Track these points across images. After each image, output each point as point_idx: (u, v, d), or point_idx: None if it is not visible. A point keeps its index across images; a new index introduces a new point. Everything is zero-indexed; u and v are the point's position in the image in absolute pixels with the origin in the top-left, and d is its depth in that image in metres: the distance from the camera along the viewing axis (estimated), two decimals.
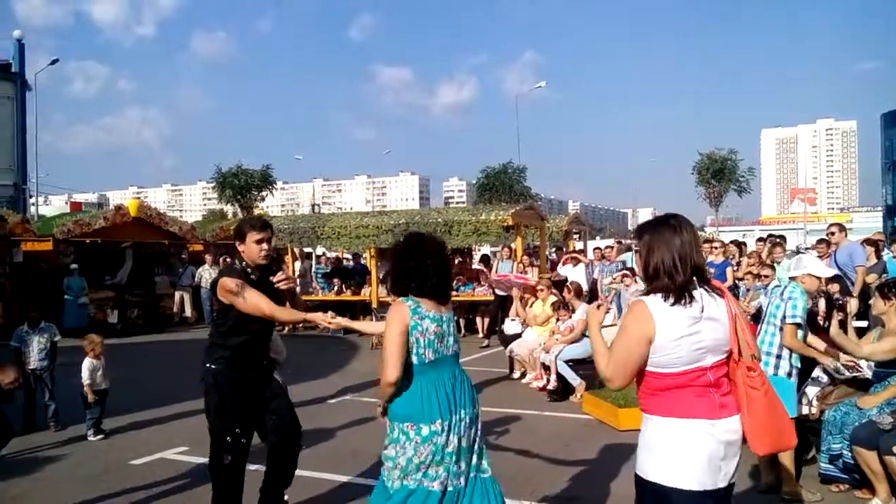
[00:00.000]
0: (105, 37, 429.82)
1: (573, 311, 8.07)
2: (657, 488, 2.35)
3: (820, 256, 9.88)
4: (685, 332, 2.29)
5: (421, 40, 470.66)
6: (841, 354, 4.81)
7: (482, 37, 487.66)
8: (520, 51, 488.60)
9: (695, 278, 2.38)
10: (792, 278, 4.67)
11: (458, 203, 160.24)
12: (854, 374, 4.91)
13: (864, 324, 7.08)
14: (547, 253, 15.37)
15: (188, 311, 16.23)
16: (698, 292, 2.35)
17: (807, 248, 15.91)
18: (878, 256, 9.26)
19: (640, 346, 2.33)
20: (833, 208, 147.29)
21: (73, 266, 14.05)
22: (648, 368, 2.35)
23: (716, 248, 10.33)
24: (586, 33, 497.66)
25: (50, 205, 59.60)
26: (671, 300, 2.32)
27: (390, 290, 3.56)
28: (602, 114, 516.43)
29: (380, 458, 3.09)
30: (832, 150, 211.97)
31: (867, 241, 9.62)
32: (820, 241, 10.39)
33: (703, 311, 2.32)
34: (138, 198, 22.57)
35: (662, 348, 2.30)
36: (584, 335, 7.80)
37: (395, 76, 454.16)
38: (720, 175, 45.94)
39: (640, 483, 2.43)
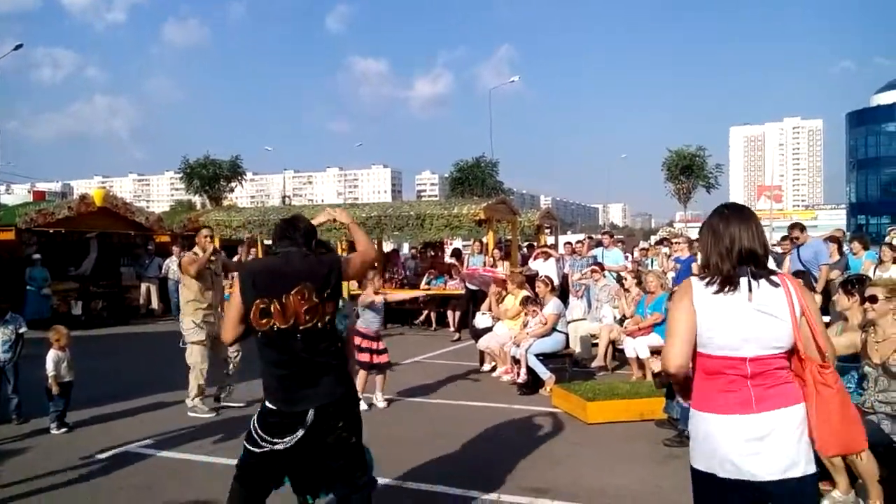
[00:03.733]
0: (74, 22, 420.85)
1: (543, 305, 8.11)
2: (696, 474, 2.43)
3: (784, 252, 10.10)
4: (724, 318, 2.31)
5: (398, 33, 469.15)
6: None
7: (459, 30, 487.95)
8: (496, 45, 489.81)
9: (752, 266, 2.36)
10: None
11: (430, 196, 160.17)
12: None
13: (826, 319, 7.22)
14: (518, 246, 15.43)
15: (154, 304, 15.99)
16: (749, 281, 2.33)
17: (773, 245, 16.17)
18: (840, 253, 9.48)
19: (686, 316, 2.37)
20: (798, 205, 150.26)
21: (36, 256, 13.73)
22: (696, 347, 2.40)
23: (680, 243, 10.49)
24: (561, 29, 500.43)
25: (12, 193, 58.17)
26: (713, 288, 2.35)
27: None
28: (574, 109, 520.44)
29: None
30: (798, 149, 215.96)
31: (830, 238, 9.84)
32: (784, 239, 10.60)
33: (751, 300, 2.31)
34: (104, 187, 22.16)
35: (701, 325, 2.34)
36: (554, 329, 7.85)
37: (370, 68, 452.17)
38: (689, 171, 46.61)
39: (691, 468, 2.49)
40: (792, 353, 2.33)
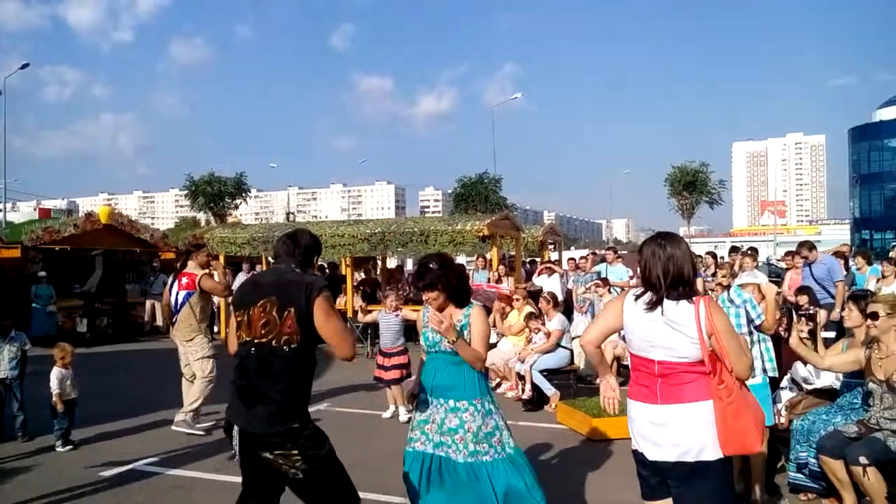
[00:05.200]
0: (81, 42, 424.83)
1: (547, 321, 8.10)
2: (633, 450, 2.95)
3: (789, 268, 10.08)
4: (638, 325, 2.81)
5: (402, 50, 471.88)
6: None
7: (463, 48, 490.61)
8: (499, 62, 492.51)
9: (681, 287, 2.77)
10: (741, 286, 4.83)
11: (433, 213, 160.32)
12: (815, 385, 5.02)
13: (831, 334, 7.20)
14: (522, 261, 15.41)
15: (159, 320, 15.98)
16: (670, 301, 2.76)
17: (777, 260, 16.16)
18: (847, 268, 9.47)
19: (613, 314, 2.95)
20: (802, 221, 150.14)
21: (42, 274, 13.78)
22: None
23: None
24: (564, 46, 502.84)
25: (18, 211, 58.51)
26: (644, 306, 2.79)
27: (459, 301, 3.66)
28: (577, 125, 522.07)
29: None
30: (801, 164, 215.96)
31: (836, 254, 9.83)
32: (787, 254, 10.58)
33: (663, 314, 2.75)
34: (109, 205, 22.25)
35: (625, 328, 2.88)
36: (558, 345, 7.85)
37: (374, 85, 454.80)
38: (692, 187, 46.65)
39: None
40: (713, 363, 2.73)
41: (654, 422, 2.77)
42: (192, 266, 6.91)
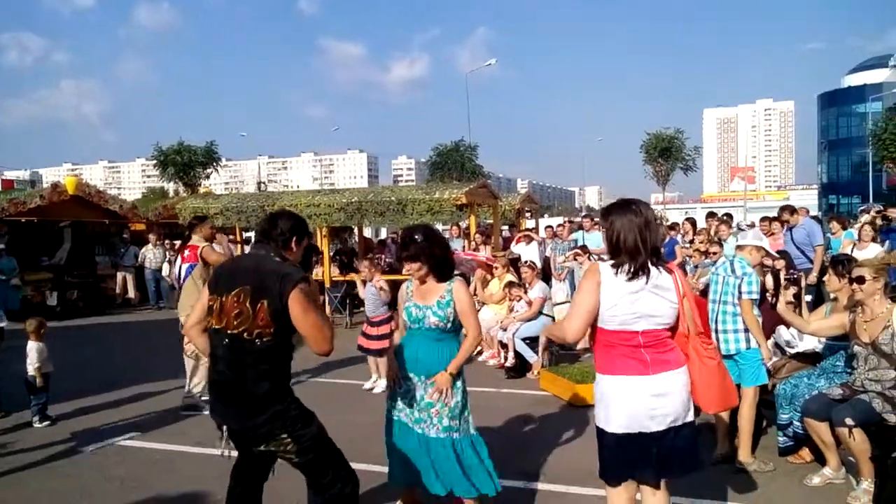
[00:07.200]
0: (42, 7, 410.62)
1: (529, 289, 8.10)
2: (600, 432, 2.86)
3: (765, 233, 10.17)
4: (623, 298, 2.70)
5: (373, 14, 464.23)
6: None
7: (435, 12, 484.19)
8: (472, 27, 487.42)
9: (654, 257, 2.76)
10: (739, 248, 4.77)
11: (406, 181, 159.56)
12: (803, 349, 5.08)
13: (808, 297, 7.30)
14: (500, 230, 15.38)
15: (131, 293, 15.75)
16: (649, 269, 2.73)
17: (748, 225, 16.34)
18: (822, 233, 9.57)
19: (591, 294, 2.75)
20: (771, 186, 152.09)
21: (1, 246, 13.37)
22: (597, 323, 2.77)
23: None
24: (537, 11, 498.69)
25: None
26: (623, 276, 2.71)
27: (440, 274, 3.61)
28: (550, 92, 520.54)
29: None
30: (770, 130, 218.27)
31: (814, 219, 9.92)
32: (764, 219, 10.66)
33: (647, 282, 2.71)
34: (75, 175, 21.67)
35: (604, 304, 2.72)
36: (540, 313, 7.85)
37: (345, 51, 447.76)
38: (667, 154, 47.00)
39: (596, 429, 2.90)
40: (674, 328, 2.79)
41: (654, 392, 2.72)
42: (195, 239, 6.68)
